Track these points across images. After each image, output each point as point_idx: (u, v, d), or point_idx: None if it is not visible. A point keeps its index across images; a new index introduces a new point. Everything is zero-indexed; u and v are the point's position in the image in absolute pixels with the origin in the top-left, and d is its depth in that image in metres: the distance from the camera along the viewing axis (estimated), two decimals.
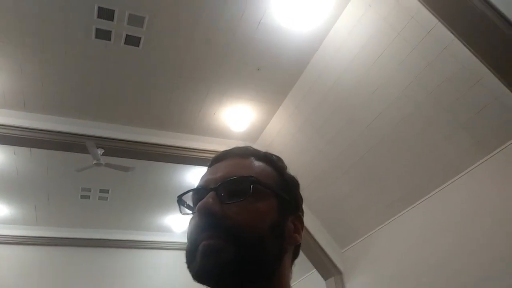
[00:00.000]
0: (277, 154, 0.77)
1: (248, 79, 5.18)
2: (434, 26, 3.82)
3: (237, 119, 5.68)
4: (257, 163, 0.71)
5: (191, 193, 0.70)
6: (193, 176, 6.76)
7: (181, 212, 0.71)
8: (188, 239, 0.65)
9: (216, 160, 0.74)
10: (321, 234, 6.04)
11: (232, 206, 0.62)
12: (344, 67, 4.73)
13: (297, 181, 0.76)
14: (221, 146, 5.53)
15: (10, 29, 4.20)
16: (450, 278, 4.25)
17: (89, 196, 7.17)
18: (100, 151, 5.51)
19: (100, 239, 8.43)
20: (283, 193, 0.69)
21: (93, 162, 5.57)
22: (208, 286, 0.61)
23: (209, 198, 0.62)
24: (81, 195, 7.12)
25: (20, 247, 8.03)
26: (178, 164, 6.34)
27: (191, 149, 5.78)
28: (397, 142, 4.74)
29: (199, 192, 0.67)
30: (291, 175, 0.75)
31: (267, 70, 5.06)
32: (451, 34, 3.56)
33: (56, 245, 8.22)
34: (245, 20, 4.39)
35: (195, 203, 0.68)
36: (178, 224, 8.48)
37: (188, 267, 0.64)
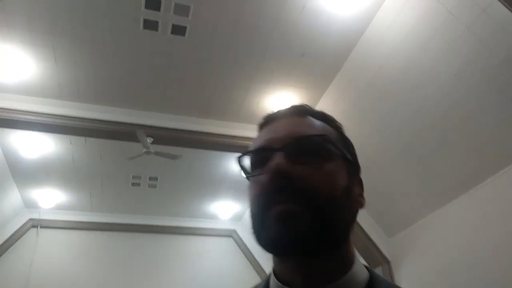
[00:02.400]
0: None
1: (292, 66, 5.15)
2: (490, 3, 3.61)
3: (281, 106, 5.66)
4: (317, 122, 0.68)
5: (247, 154, 0.66)
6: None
7: (244, 173, 0.65)
8: (254, 203, 0.59)
9: (271, 119, 0.69)
10: (367, 222, 5.95)
11: (304, 167, 0.58)
12: (392, 50, 4.58)
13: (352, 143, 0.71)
14: None
15: (64, 23, 4.42)
16: (504, 271, 4.05)
17: (140, 183, 7.46)
18: (149, 140, 5.70)
19: (149, 225, 8.77)
20: (348, 154, 0.66)
21: (143, 151, 5.79)
22: (282, 255, 0.57)
23: (280, 158, 0.57)
24: (132, 183, 7.42)
25: (76, 232, 8.53)
26: (224, 152, 6.44)
27: (237, 137, 5.85)
28: (448, 127, 4.55)
29: (263, 153, 0.62)
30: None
31: (311, 56, 5.01)
32: (508, 11, 3.35)
33: (109, 230, 8.65)
34: (289, 5, 4.36)
35: (256, 165, 0.63)
36: (224, 211, 8.64)
37: (257, 234, 0.58)
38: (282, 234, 0.54)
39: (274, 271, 0.64)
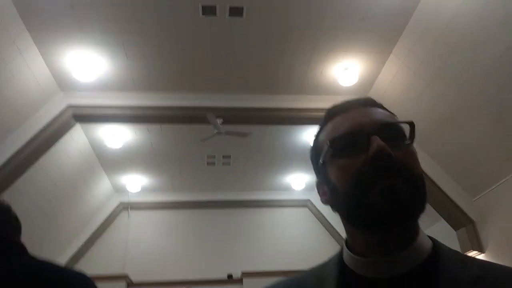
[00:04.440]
0: (393, 104, 0.77)
1: (353, 31, 5.00)
2: None
3: (345, 74, 5.57)
4: (387, 112, 0.73)
5: (339, 139, 0.69)
6: (307, 136, 6.88)
7: (334, 156, 0.69)
8: (352, 182, 0.64)
9: (344, 109, 0.74)
10: (447, 183, 5.73)
11: (397, 149, 0.64)
12: (460, 1, 4.26)
13: None
14: (331, 103, 5.47)
15: (130, 20, 4.67)
16: None
17: (214, 162, 7.80)
18: (219, 121, 5.91)
19: (226, 201, 9.20)
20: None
21: (214, 132, 6.03)
22: (385, 227, 0.62)
23: (380, 141, 0.63)
24: (207, 162, 7.78)
25: (162, 211, 9.20)
26: (292, 125, 6.51)
27: (303, 110, 5.87)
28: None
29: (354, 137, 0.67)
30: None
31: (372, 18, 4.82)
32: None
33: (190, 208, 9.22)
34: None
35: (346, 149, 0.67)
36: (297, 182, 8.78)
37: (354, 210, 0.65)
38: (390, 207, 0.60)
39: (346, 244, 0.72)
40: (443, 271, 0.63)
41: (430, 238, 0.70)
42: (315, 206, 9.40)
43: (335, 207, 0.72)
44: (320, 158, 0.73)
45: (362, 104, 0.74)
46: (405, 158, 0.65)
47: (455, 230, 5.87)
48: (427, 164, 5.56)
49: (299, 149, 7.38)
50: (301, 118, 5.94)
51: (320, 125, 0.78)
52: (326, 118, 0.76)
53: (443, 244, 0.70)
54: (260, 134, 6.82)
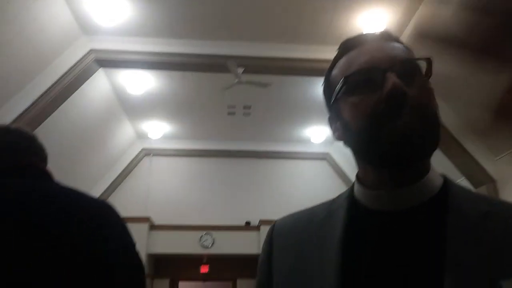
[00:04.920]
0: (427, 54, 0.72)
1: None
2: None
3: (372, 23, 5.35)
4: (404, 48, 0.71)
5: (354, 75, 0.67)
6: None
7: (348, 93, 0.68)
8: (367, 119, 0.64)
9: (359, 42, 0.71)
10: (469, 140, 5.61)
11: (412, 86, 0.63)
12: None
13: None
14: None
15: None
16: None
17: (235, 112, 7.82)
18: (240, 70, 5.85)
19: (246, 151, 9.31)
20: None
21: (235, 81, 5.99)
22: (400, 162, 0.63)
23: (395, 77, 0.62)
24: (228, 112, 7.81)
25: (183, 158, 9.40)
26: (314, 77, 6.39)
27: (326, 61, 5.71)
28: None
29: (370, 73, 0.66)
30: None
31: None
32: None
33: (210, 156, 9.39)
34: None
35: (360, 84, 0.66)
36: (317, 135, 8.76)
37: (369, 147, 0.65)
38: (403, 145, 0.61)
39: (357, 179, 0.73)
40: (452, 205, 0.64)
41: (442, 175, 0.70)
42: (334, 160, 9.42)
43: (347, 143, 0.72)
44: (333, 94, 0.72)
45: (378, 38, 0.72)
46: (420, 95, 0.64)
47: (475, 188, 5.83)
48: (449, 117, 5.42)
49: (320, 101, 7.17)
50: (323, 70, 5.77)
51: (333, 59, 0.77)
52: (340, 52, 0.75)
53: (454, 181, 0.70)
54: (281, 85, 6.74)
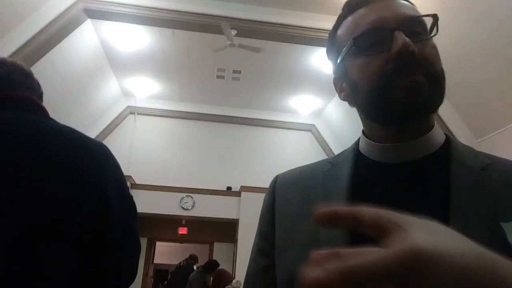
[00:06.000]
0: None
1: None
2: None
3: None
4: (410, 5, 0.71)
5: (364, 34, 0.67)
6: (319, 58, 6.71)
7: (356, 53, 0.68)
8: (377, 77, 0.65)
9: (363, 3, 0.71)
10: (455, 121, 5.71)
11: (419, 44, 0.64)
12: None
13: None
14: None
15: None
16: None
17: (224, 76, 7.72)
18: (233, 32, 5.74)
19: (232, 116, 9.29)
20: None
21: (228, 43, 5.88)
22: (408, 118, 0.65)
23: (404, 37, 0.63)
24: (217, 75, 7.71)
25: (168, 119, 9.33)
26: (306, 46, 6.32)
27: (321, 30, 5.64)
28: None
29: (379, 33, 0.66)
30: None
31: None
32: None
33: (196, 119, 9.34)
34: None
35: (368, 45, 0.66)
36: (304, 106, 8.76)
37: (378, 104, 0.66)
38: (412, 102, 0.63)
39: (364, 134, 0.75)
40: (454, 158, 0.67)
41: (445, 134, 0.73)
42: (319, 132, 9.48)
43: (354, 103, 0.73)
44: (339, 55, 0.72)
45: None
46: (427, 53, 0.65)
47: None
48: None
49: (311, 72, 7.26)
50: (318, 39, 5.73)
51: (338, 17, 0.76)
52: (346, 10, 0.73)
53: (456, 139, 0.73)
54: (273, 52, 6.66)
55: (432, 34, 0.68)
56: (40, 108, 1.11)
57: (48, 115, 1.13)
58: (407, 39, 0.62)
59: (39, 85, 1.17)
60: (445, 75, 0.67)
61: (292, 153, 9.37)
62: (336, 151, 8.85)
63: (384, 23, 0.66)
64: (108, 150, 1.13)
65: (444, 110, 5.61)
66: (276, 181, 0.83)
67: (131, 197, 1.13)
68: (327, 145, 9.27)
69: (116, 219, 1.02)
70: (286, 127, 9.62)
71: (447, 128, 5.66)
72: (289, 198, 0.76)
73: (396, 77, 0.63)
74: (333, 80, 0.78)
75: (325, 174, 0.75)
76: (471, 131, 5.74)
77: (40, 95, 1.16)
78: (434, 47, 0.68)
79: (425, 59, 0.64)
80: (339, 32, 0.74)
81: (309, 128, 9.69)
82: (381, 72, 0.64)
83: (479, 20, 4.67)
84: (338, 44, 0.73)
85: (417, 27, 0.67)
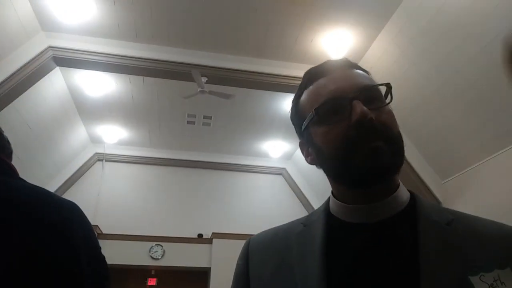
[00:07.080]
0: (378, 80, 0.79)
1: (348, 2, 4.95)
2: None
3: (335, 45, 5.53)
4: (365, 74, 0.77)
5: (324, 105, 0.71)
6: (289, 103, 6.84)
7: (319, 121, 0.71)
8: (339, 145, 0.68)
9: (325, 72, 0.75)
10: (420, 164, 5.89)
11: (376, 111, 0.69)
12: None
13: None
14: None
15: None
16: None
17: (195, 122, 7.75)
18: (204, 79, 5.84)
19: (203, 161, 9.23)
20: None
21: (198, 90, 5.95)
22: (372, 183, 0.68)
23: (362, 105, 0.67)
24: (187, 121, 7.73)
25: (137, 166, 9.16)
26: (276, 92, 6.48)
27: (289, 77, 5.82)
28: None
29: (338, 102, 0.69)
30: None
31: None
32: None
33: (166, 165, 9.22)
34: None
35: (329, 113, 0.70)
36: (275, 150, 8.85)
37: (342, 170, 0.69)
38: (374, 166, 0.66)
39: (333, 195, 0.77)
40: (421, 215, 0.70)
41: (409, 191, 0.77)
42: (290, 175, 9.53)
43: (321, 167, 0.76)
44: (303, 122, 0.76)
45: (341, 66, 0.77)
46: (384, 119, 0.69)
47: None
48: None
49: (280, 117, 7.40)
50: (287, 86, 5.90)
51: (300, 86, 0.80)
52: (307, 80, 0.78)
53: (421, 196, 0.76)
54: (243, 98, 6.78)
55: (387, 102, 0.73)
56: (10, 167, 1.07)
57: (18, 174, 1.09)
58: (365, 108, 0.66)
59: (9, 143, 1.14)
60: (404, 132, 0.71)
61: (264, 197, 9.34)
62: (307, 193, 8.89)
63: (343, 93, 0.70)
64: (80, 211, 1.09)
65: (410, 153, 5.79)
66: (249, 245, 0.82)
67: (103, 259, 1.08)
68: (298, 188, 9.30)
69: (87, 283, 0.97)
70: (257, 171, 9.63)
71: (414, 170, 5.83)
72: (264, 261, 0.76)
73: (357, 144, 0.66)
74: (299, 144, 0.83)
75: (298, 235, 0.76)
76: (436, 172, 5.93)
77: (9, 153, 1.13)
78: (390, 112, 0.72)
79: (383, 125, 0.68)
80: (301, 100, 0.79)
81: (280, 172, 9.74)
82: (343, 140, 0.68)
83: (438, 65, 4.96)
84: (302, 112, 0.78)
85: (374, 95, 0.71)
